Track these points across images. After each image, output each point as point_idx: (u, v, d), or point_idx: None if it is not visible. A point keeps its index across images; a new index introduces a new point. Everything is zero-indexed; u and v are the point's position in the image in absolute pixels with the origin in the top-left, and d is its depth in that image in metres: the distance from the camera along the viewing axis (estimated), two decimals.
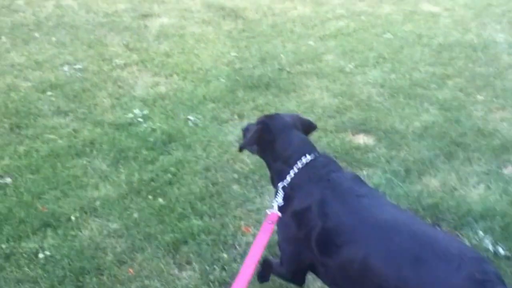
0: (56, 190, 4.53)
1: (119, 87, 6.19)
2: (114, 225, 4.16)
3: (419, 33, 7.85)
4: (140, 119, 5.52)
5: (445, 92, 6.29)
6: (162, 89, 6.16)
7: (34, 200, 4.41)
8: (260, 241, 2.77)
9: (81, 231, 4.11)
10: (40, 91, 6.07)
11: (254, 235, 4.00)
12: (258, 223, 4.10)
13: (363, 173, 4.74)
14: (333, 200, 2.73)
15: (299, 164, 2.94)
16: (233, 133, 5.29)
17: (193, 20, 8.04)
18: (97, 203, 4.38)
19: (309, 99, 5.99)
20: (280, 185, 2.97)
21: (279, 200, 2.93)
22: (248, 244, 3.90)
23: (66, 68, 6.58)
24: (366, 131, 5.41)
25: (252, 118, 5.52)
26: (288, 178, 2.94)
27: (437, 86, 6.38)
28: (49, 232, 4.10)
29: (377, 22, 8.16)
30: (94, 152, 5.04)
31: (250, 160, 4.85)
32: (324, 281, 2.93)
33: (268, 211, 2.96)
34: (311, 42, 7.47)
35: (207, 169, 4.78)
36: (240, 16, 8.19)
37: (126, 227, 4.14)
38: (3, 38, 7.30)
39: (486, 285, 2.22)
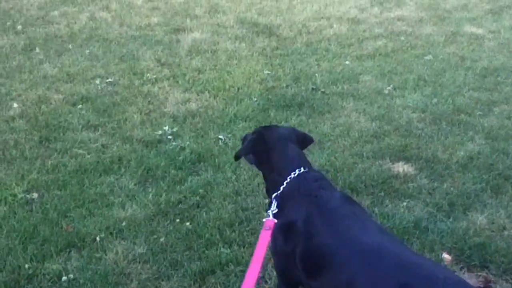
0: (82, 208, 4.39)
1: (149, 102, 6.04)
2: (140, 249, 3.99)
3: (462, 56, 7.51)
4: (169, 137, 5.37)
5: (491, 119, 5.87)
6: (193, 106, 6.00)
7: (60, 218, 4.28)
8: (260, 249, 2.70)
9: (106, 254, 3.95)
10: (71, 104, 5.96)
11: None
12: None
13: (403, 205, 4.46)
14: (317, 218, 2.67)
15: (292, 176, 2.90)
16: None
17: (226, 36, 7.88)
18: (123, 224, 4.22)
19: (345, 122, 5.75)
20: (273, 195, 2.93)
21: (274, 208, 2.88)
22: None
23: (97, 81, 6.47)
24: (406, 159, 5.09)
25: None
26: (281, 189, 2.91)
27: (482, 113, 6.00)
28: (74, 253, 3.96)
29: (417, 43, 7.86)
30: (122, 169, 4.89)
31: None
32: None
33: (264, 220, 2.88)
34: (347, 62, 7.24)
35: (237, 192, 4.58)
36: (274, 33, 8.01)
37: (152, 252, 3.97)
38: (37, 49, 7.24)
39: None
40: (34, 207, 4.39)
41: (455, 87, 6.55)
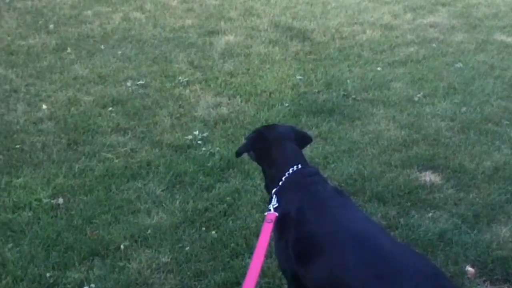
0: (107, 215, 4.24)
1: (180, 106, 5.87)
2: (165, 258, 3.83)
3: (492, 64, 7.19)
4: (199, 142, 5.19)
5: None
6: (224, 110, 5.82)
7: (84, 225, 4.14)
8: (263, 241, 2.74)
9: (129, 263, 3.79)
10: (101, 106, 5.82)
11: None
12: None
13: (428, 216, 4.27)
14: (308, 209, 2.77)
15: (289, 172, 2.99)
16: None
17: (259, 40, 7.66)
18: (149, 231, 4.06)
19: (374, 129, 5.53)
20: (273, 191, 3.02)
21: (274, 202, 2.95)
22: None
23: (129, 83, 6.32)
24: (434, 169, 4.89)
25: (315, 146, 5.14)
26: (279, 184, 3.00)
27: (509, 122, 5.75)
28: (96, 261, 3.80)
29: (448, 50, 7.57)
30: (150, 175, 4.73)
31: None
32: None
33: (266, 213, 2.91)
34: (379, 68, 6.98)
35: (265, 201, 4.34)
36: (308, 37, 7.77)
37: (176, 261, 3.80)
38: (69, 50, 7.11)
39: None
40: (59, 213, 4.25)
41: (483, 96, 6.29)
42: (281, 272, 3.21)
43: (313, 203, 2.80)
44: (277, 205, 2.91)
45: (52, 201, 4.39)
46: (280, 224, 2.83)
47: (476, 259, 3.83)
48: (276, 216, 2.84)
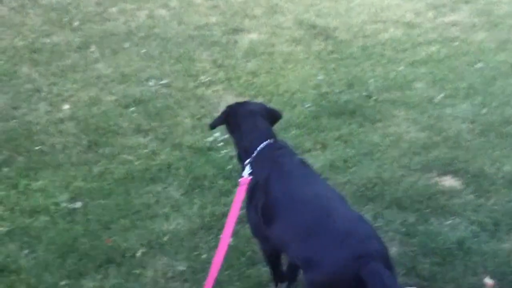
0: (125, 220, 4.12)
1: (202, 106, 5.70)
2: (181, 266, 3.70)
3: None
4: (219, 144, 5.03)
5: None
6: None
7: (101, 231, 4.02)
8: (237, 202, 3.10)
9: (145, 271, 3.67)
10: (123, 106, 5.68)
11: None
12: None
13: (447, 223, 4.10)
14: (275, 179, 2.98)
15: (261, 146, 3.18)
16: (315, 165, 4.69)
17: (283, 38, 7.40)
18: (166, 238, 3.93)
19: (395, 132, 5.31)
20: (246, 162, 3.21)
21: (247, 170, 3.17)
22: None
23: (151, 82, 6.15)
24: (453, 173, 4.69)
25: (335, 149, 4.97)
26: (252, 156, 3.19)
27: None
28: (112, 269, 3.68)
29: (469, 49, 7.23)
30: (170, 178, 4.60)
31: None
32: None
33: (240, 180, 3.19)
34: (401, 68, 6.72)
35: None
36: (331, 36, 7.48)
37: (192, 269, 3.67)
38: (93, 48, 6.96)
39: (362, 260, 2.31)
40: (76, 218, 4.13)
41: (504, 97, 6.00)
42: (250, 229, 3.35)
43: (279, 173, 3.00)
44: (254, 174, 3.12)
45: (69, 205, 4.26)
46: (251, 191, 3.08)
47: (495, 270, 3.68)
48: (249, 180, 3.10)
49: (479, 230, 4.02)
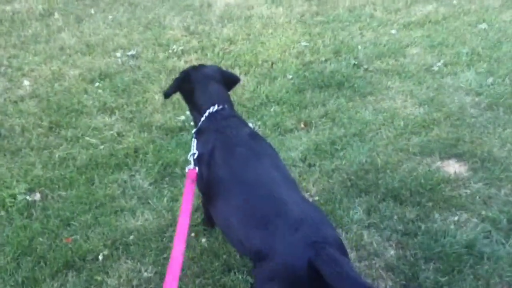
0: (87, 215, 3.75)
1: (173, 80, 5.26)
2: (147, 272, 3.33)
3: None
4: (192, 123, 4.61)
5: None
6: None
7: (61, 229, 3.64)
8: (186, 201, 2.67)
9: (107, 277, 3.30)
10: (88, 81, 5.26)
11: None
12: None
13: (454, 219, 3.64)
14: (218, 152, 2.77)
15: (209, 112, 2.98)
16: (297, 148, 4.32)
17: None
18: (131, 237, 3.57)
19: (389, 107, 4.91)
20: (194, 131, 3.03)
21: (193, 150, 2.91)
22: None
23: (118, 54, 5.72)
24: (458, 157, 4.23)
25: (321, 129, 4.56)
26: (199, 125, 3.00)
27: None
28: (71, 276, 3.33)
29: (470, 8, 6.79)
30: (137, 164, 4.21)
31: (317, 188, 3.91)
32: None
33: (187, 168, 2.84)
34: (393, 31, 6.31)
35: None
36: None
37: (160, 276, 3.32)
38: (56, 15, 6.46)
39: (317, 246, 2.19)
40: (34, 213, 3.76)
41: None
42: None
43: (224, 147, 2.79)
44: (196, 153, 2.87)
45: (28, 197, 3.89)
46: (197, 163, 2.85)
47: None
48: (197, 174, 2.82)
49: (492, 228, 3.56)
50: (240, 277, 3.24)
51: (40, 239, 3.55)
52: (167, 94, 3.21)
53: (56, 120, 4.71)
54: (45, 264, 3.37)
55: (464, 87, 5.18)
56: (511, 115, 4.74)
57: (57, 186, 4.00)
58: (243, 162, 2.69)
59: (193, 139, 2.98)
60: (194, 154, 2.87)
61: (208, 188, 2.75)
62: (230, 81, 3.29)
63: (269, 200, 2.45)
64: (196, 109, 3.09)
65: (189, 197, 2.69)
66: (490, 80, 5.27)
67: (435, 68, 5.54)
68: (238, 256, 3.38)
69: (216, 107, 2.99)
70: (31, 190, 3.97)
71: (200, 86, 3.11)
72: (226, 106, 3.06)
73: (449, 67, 5.56)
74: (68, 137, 4.51)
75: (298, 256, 2.20)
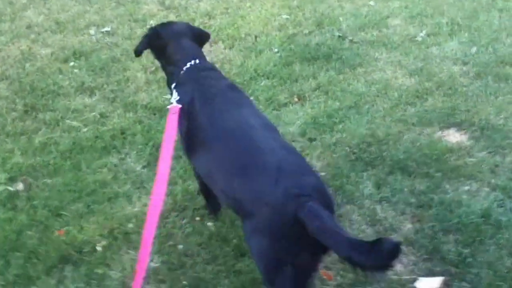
0: (78, 203, 3.38)
1: None
2: (153, 262, 2.99)
3: None
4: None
5: None
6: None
7: (50, 220, 3.26)
8: (169, 132, 2.65)
9: (110, 268, 2.96)
10: (61, 61, 4.84)
11: (337, 284, 2.86)
12: (344, 271, 2.93)
13: (465, 189, 3.45)
14: (198, 102, 2.71)
15: (186, 67, 2.90)
16: (294, 123, 4.05)
17: None
18: (130, 225, 3.22)
19: (380, 78, 4.67)
20: (173, 86, 2.93)
21: (175, 96, 2.84)
22: None
23: (92, 31, 5.29)
24: (457, 126, 4.06)
25: (316, 102, 4.30)
26: (177, 79, 2.92)
27: None
28: (68, 270, 2.98)
29: None
30: (126, 146, 3.86)
31: (321, 163, 3.65)
32: None
33: (169, 107, 2.78)
34: (371, 2, 6.05)
35: None
36: None
37: (168, 266, 2.99)
38: None
39: (300, 199, 2.12)
40: (18, 204, 3.37)
41: (492, 33, 5.44)
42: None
43: (203, 97, 2.73)
44: (178, 98, 2.81)
45: (9, 188, 3.50)
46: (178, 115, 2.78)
47: None
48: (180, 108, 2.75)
49: (504, 197, 3.38)
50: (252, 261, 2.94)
51: (29, 232, 3.17)
52: (137, 52, 3.13)
53: (32, 102, 4.29)
54: (38, 259, 3.00)
55: (450, 56, 5.02)
56: (500, 83, 4.61)
57: (41, 174, 3.62)
58: (222, 111, 2.64)
59: (173, 91, 2.88)
60: (177, 100, 2.80)
61: (189, 139, 2.71)
62: (200, 37, 3.22)
63: (246, 150, 2.41)
64: (171, 65, 3.01)
65: (172, 128, 2.65)
66: (474, 49, 5.15)
67: (419, 39, 5.37)
68: None
69: (194, 61, 2.92)
70: (12, 180, 3.57)
71: (172, 42, 3.04)
72: (202, 60, 3.01)
73: (432, 37, 5.39)
74: (47, 121, 4.11)
75: (282, 211, 2.14)
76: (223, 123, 2.58)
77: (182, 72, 2.91)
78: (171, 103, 2.81)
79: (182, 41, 3.05)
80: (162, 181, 2.52)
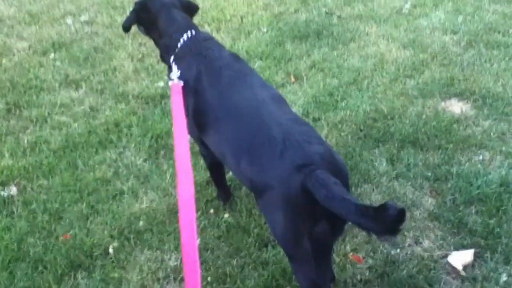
0: (80, 204, 3.11)
1: (141, 44, 4.62)
2: (172, 260, 2.76)
3: None
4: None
5: None
6: None
7: (53, 224, 2.98)
8: (177, 112, 2.40)
9: (125, 271, 2.71)
10: (40, 54, 4.52)
11: (368, 265, 2.68)
12: (373, 252, 2.75)
13: (478, 159, 3.32)
14: (204, 77, 2.58)
15: (184, 38, 2.76)
16: (296, 103, 3.84)
17: None
18: (141, 223, 2.97)
19: (375, 52, 4.49)
20: (171, 60, 2.77)
21: (176, 71, 2.67)
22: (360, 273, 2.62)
23: (69, 21, 4.95)
24: (458, 96, 3.93)
25: (314, 80, 4.10)
26: (176, 51, 2.77)
27: None
28: (81, 277, 2.70)
29: None
30: (123, 139, 3.59)
31: (330, 142, 3.44)
32: None
33: (170, 83, 2.61)
34: None
35: None
36: None
37: None
38: None
39: (306, 169, 2.03)
40: (14, 210, 3.08)
41: (474, 1, 5.34)
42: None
43: (209, 71, 2.59)
44: (179, 73, 2.65)
45: (2, 193, 3.19)
46: (182, 92, 2.61)
47: None
48: (183, 86, 2.61)
49: None
50: (280, 250, 2.72)
51: (31, 239, 2.89)
52: (126, 27, 2.95)
53: (14, 100, 3.97)
54: (45, 268, 2.73)
55: (439, 27, 4.89)
56: (492, 50, 4.51)
57: (34, 176, 3.32)
58: (230, 86, 2.51)
59: (173, 65, 2.72)
60: (179, 76, 2.64)
61: (197, 117, 2.57)
62: (190, 8, 3.07)
63: (255, 127, 2.29)
64: (165, 39, 2.85)
65: (179, 108, 2.43)
66: (460, 18, 5.04)
67: (405, 11, 5.22)
68: None
69: (190, 32, 2.77)
70: (4, 184, 3.27)
71: (163, 14, 2.89)
72: (196, 30, 2.85)
73: (418, 8, 5.26)
74: (33, 118, 3.80)
75: (289, 184, 2.07)
76: (232, 99, 2.46)
77: (180, 44, 2.76)
78: (171, 79, 2.65)
79: (173, 12, 2.91)
80: (186, 172, 2.14)
